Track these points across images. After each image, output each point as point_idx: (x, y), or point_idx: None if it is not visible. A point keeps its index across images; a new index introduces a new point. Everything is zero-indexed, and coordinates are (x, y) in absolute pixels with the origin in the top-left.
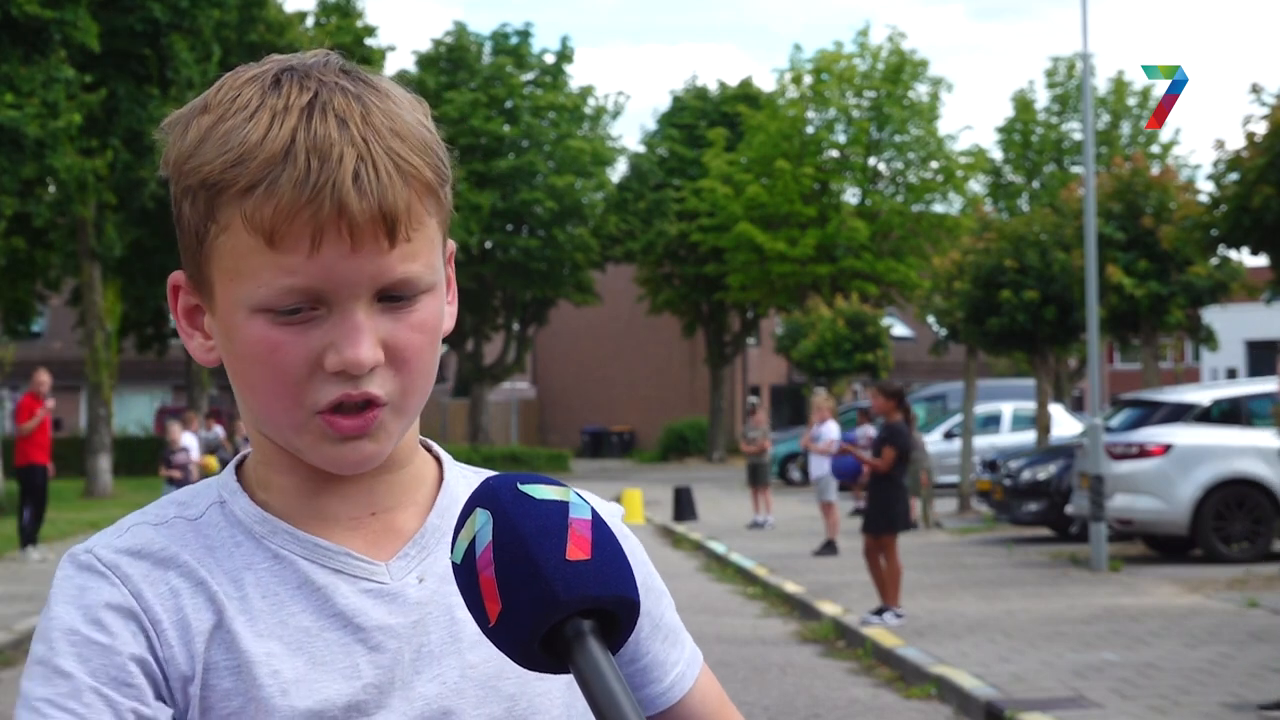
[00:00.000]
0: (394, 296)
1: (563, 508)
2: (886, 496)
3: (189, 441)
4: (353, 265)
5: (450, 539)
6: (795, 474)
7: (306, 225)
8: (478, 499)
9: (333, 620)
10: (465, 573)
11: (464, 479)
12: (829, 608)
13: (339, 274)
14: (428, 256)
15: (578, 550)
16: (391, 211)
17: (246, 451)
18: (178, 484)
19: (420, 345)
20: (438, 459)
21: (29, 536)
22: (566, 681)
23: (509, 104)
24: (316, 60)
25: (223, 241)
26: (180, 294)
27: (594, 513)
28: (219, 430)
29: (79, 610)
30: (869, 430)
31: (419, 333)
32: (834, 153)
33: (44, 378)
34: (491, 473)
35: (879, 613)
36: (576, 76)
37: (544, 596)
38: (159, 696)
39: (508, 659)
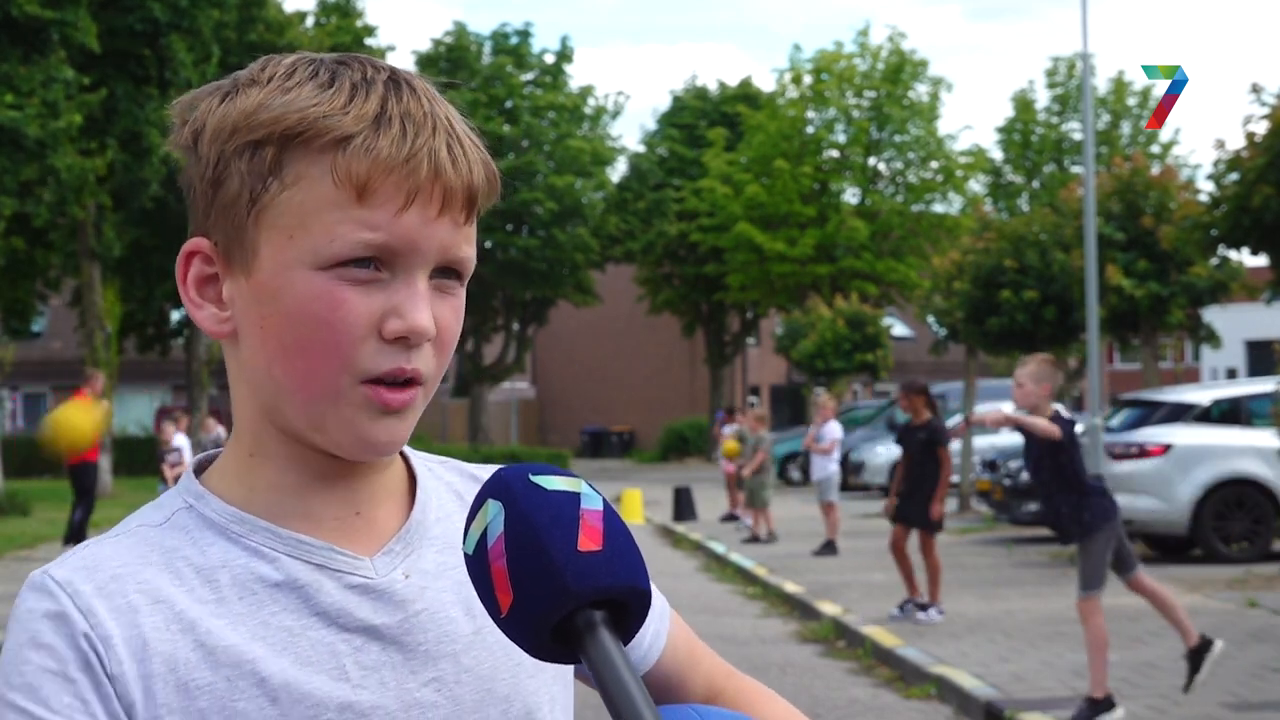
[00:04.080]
0: (449, 274)
1: (574, 499)
2: (931, 494)
3: (181, 442)
4: (430, 232)
5: (431, 535)
6: (795, 474)
7: (403, 183)
8: (490, 490)
9: (317, 619)
10: (477, 563)
11: (430, 471)
12: (829, 608)
13: (417, 238)
14: (473, 249)
15: (589, 541)
16: (476, 188)
17: (208, 453)
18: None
19: (456, 331)
20: (402, 454)
21: (76, 535)
22: (552, 675)
23: (509, 104)
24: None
25: (288, 196)
26: (194, 261)
27: (605, 503)
28: (220, 431)
29: (26, 632)
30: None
31: (456, 319)
32: (834, 153)
33: (97, 377)
34: (446, 459)
35: (923, 608)
36: (576, 76)
37: (556, 587)
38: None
39: (499, 661)
